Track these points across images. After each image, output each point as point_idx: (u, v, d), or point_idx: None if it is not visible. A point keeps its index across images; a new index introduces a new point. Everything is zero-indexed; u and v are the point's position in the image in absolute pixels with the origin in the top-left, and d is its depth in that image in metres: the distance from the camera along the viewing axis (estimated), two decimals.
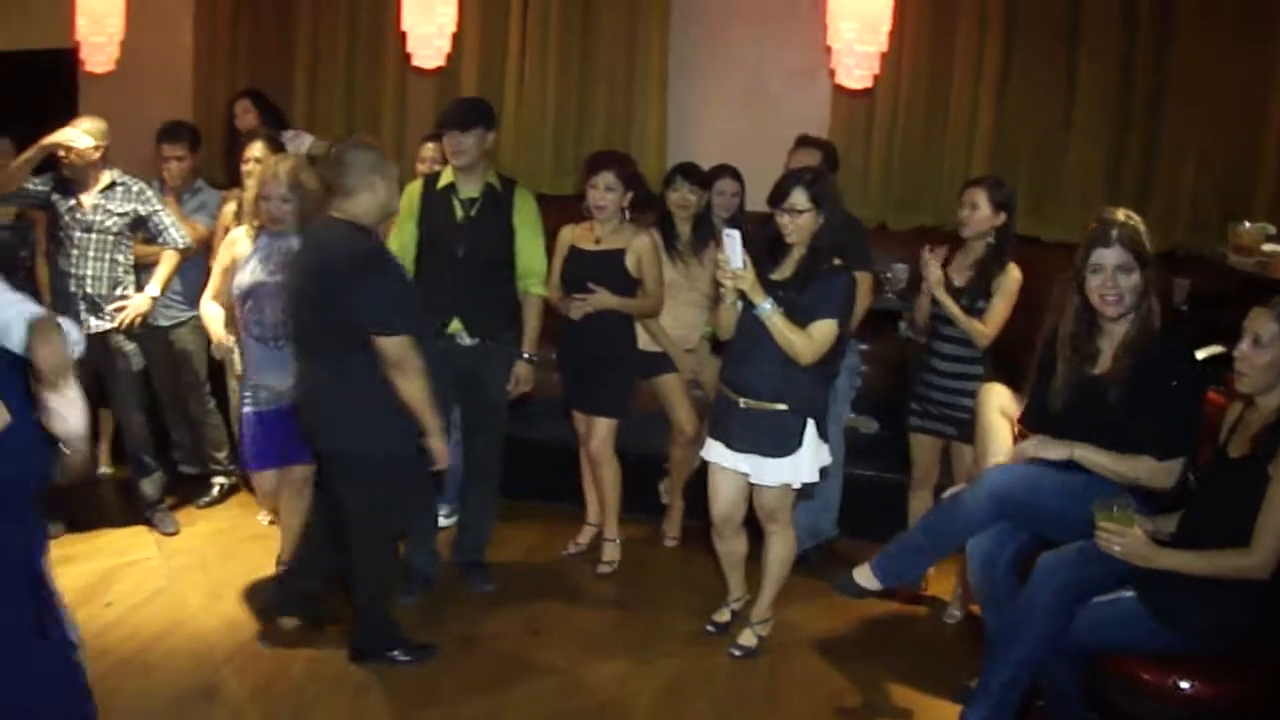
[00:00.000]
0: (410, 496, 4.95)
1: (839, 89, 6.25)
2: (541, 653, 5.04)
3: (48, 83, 9.00)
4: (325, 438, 4.66)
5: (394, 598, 5.03)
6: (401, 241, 5.36)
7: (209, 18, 8.56)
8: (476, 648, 5.08)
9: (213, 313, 5.44)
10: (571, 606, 5.45)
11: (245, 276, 5.21)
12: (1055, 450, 4.12)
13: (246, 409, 5.34)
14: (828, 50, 5.78)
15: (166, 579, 5.70)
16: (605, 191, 5.46)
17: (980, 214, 5.11)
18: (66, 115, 6.76)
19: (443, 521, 5.96)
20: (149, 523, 6.25)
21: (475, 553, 5.70)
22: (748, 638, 5.08)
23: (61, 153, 5.78)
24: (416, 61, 6.34)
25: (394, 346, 4.38)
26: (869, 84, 5.89)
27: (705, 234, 5.92)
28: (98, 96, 7.89)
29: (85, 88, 8.48)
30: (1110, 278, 4.00)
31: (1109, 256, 4.00)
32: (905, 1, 6.37)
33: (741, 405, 4.72)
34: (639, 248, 5.51)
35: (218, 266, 5.48)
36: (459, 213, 5.25)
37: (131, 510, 6.34)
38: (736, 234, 4.49)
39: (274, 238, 5.20)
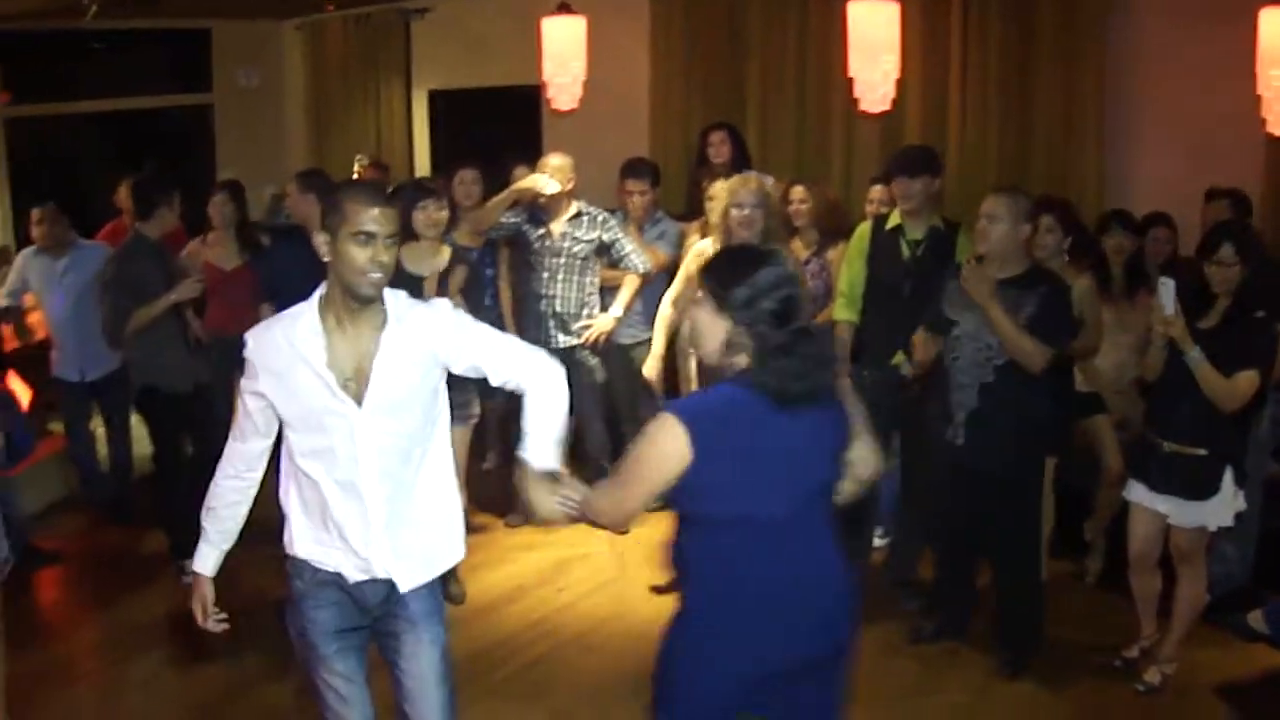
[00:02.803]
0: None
1: (1270, 136, 6.33)
2: (959, 668, 5.54)
3: (515, 117, 10.14)
4: (1006, 461, 5.30)
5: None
6: (851, 278, 6.07)
7: (664, 60, 9.47)
8: (900, 656, 5.63)
9: (665, 314, 6.21)
10: (992, 627, 5.76)
11: None
12: None
13: None
14: (1259, 98, 5.95)
15: (615, 572, 6.58)
16: (1045, 234, 5.80)
17: None
18: (532, 148, 7.75)
19: (877, 542, 6.52)
20: None
21: (908, 571, 6.26)
22: (1153, 675, 5.31)
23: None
24: (863, 106, 6.86)
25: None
26: None
27: (1138, 279, 6.26)
28: (561, 131, 8.89)
29: (549, 123, 9.54)
30: None
31: None
32: None
33: (1165, 449, 5.08)
34: (1081, 290, 5.83)
35: (682, 271, 6.28)
36: (906, 253, 5.90)
37: None
38: (1171, 283, 4.90)
39: None
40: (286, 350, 3.47)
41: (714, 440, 3.14)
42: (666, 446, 3.16)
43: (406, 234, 6.07)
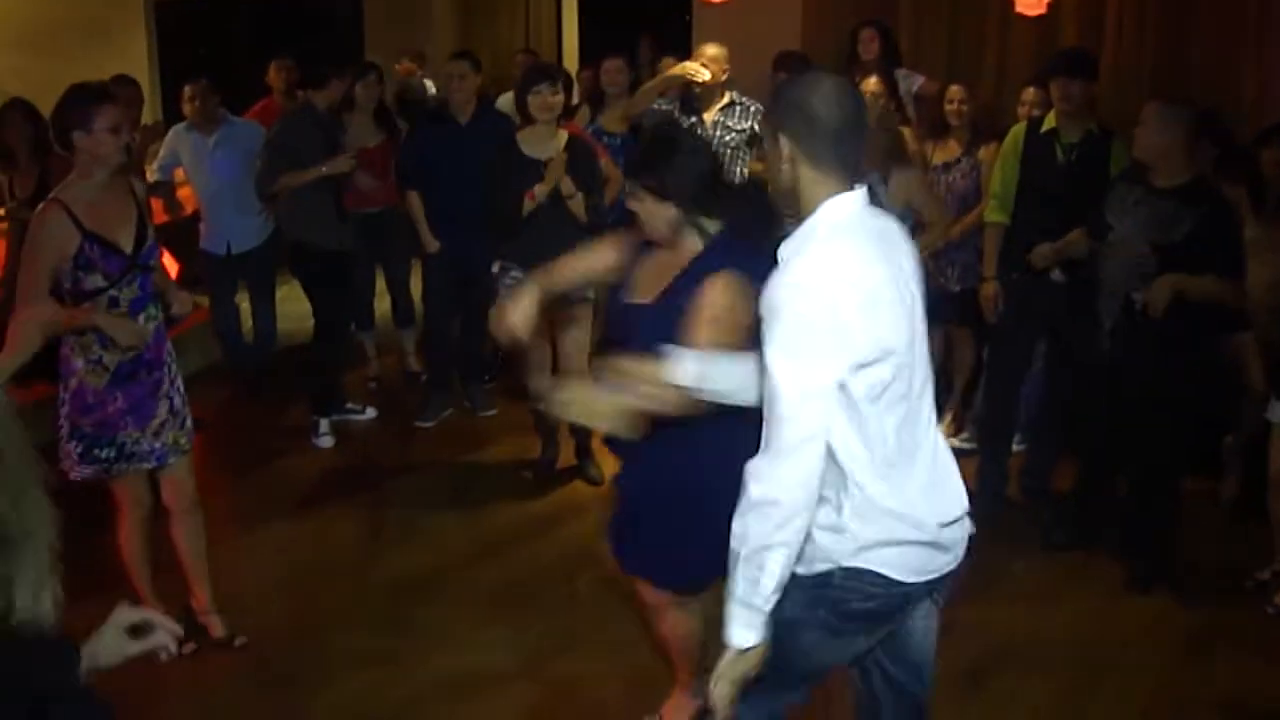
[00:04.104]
0: None
1: None
2: (1089, 577, 5.57)
3: (665, 7, 10.15)
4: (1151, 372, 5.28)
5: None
6: (1004, 180, 6.04)
7: None
8: (1031, 562, 5.68)
9: None
10: (1125, 539, 5.69)
11: None
12: None
13: None
14: None
15: None
16: None
17: None
18: (681, 39, 7.73)
19: (1015, 448, 6.50)
20: None
21: (1043, 478, 6.29)
22: None
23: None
24: (1020, 8, 6.84)
25: None
26: None
27: None
28: (711, 22, 8.84)
29: (699, 13, 9.49)
30: None
31: None
32: None
33: None
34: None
35: None
36: (1060, 156, 5.86)
37: None
38: None
39: None
40: None
41: None
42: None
43: (523, 118, 6.25)
